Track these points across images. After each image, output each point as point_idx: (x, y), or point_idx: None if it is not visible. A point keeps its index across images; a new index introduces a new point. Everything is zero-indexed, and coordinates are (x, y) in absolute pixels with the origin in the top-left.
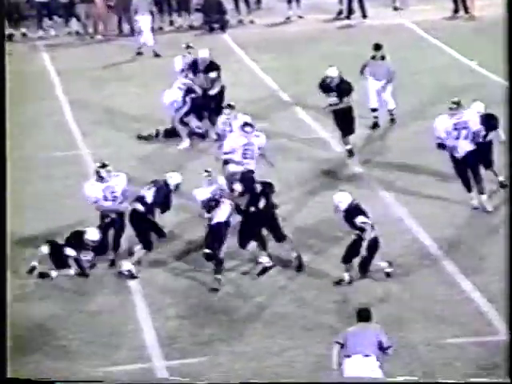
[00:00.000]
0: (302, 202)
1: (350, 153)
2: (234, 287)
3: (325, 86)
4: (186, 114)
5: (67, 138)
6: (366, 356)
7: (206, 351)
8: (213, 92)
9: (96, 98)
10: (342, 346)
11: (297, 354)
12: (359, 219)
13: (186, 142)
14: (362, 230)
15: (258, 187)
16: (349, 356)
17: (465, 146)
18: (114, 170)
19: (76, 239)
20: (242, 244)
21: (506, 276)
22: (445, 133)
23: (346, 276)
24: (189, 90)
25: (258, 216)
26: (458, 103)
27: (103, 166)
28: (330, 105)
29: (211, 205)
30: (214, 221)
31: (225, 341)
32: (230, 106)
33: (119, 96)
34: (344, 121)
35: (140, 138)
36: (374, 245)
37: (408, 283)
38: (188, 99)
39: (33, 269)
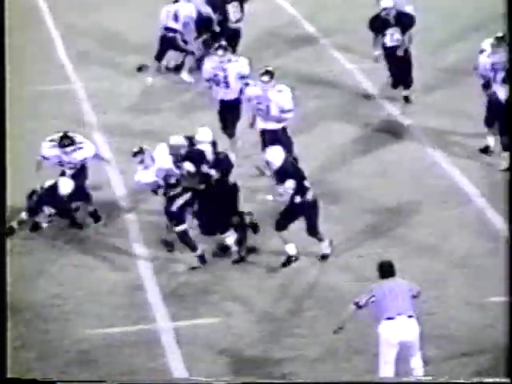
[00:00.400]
0: (323, 138)
1: (407, 99)
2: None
3: (381, 22)
4: (159, 53)
5: (57, 69)
6: (410, 317)
7: (218, 311)
8: (235, 25)
9: (88, 24)
10: (360, 307)
11: (318, 314)
12: (305, 183)
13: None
14: (301, 192)
15: (210, 162)
16: (391, 318)
17: (502, 91)
18: (110, 105)
19: (51, 194)
20: (206, 231)
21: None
22: (484, 71)
23: (292, 249)
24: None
25: (213, 194)
26: (501, 38)
27: (65, 138)
28: (390, 48)
29: (158, 189)
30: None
31: (239, 299)
32: (221, 47)
33: (115, 22)
34: (401, 65)
35: (140, 69)
36: (314, 206)
37: (445, 235)
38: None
39: (11, 229)
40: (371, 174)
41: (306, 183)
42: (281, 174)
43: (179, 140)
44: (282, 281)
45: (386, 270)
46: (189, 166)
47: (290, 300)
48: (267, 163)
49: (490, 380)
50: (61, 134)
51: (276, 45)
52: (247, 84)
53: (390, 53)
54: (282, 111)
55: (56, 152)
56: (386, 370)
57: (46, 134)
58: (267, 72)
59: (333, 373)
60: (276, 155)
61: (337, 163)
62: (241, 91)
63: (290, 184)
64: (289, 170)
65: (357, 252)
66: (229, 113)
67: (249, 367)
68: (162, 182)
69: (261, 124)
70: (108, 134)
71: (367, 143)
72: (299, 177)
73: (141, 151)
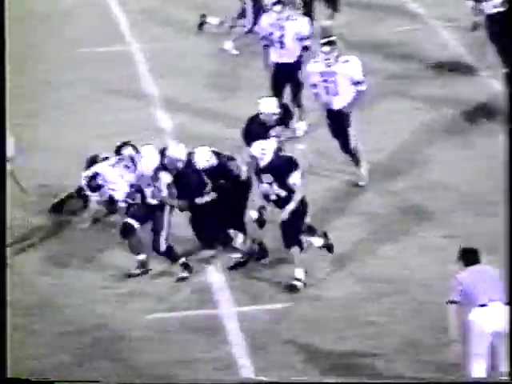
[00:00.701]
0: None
1: None
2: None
3: None
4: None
5: (111, 29)
6: (508, 304)
7: (287, 297)
8: None
9: None
10: (457, 302)
11: (398, 300)
12: (295, 176)
13: (228, 43)
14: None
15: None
16: (484, 305)
17: None
18: (171, 71)
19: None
20: (206, 244)
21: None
22: None
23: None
24: None
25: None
26: None
27: (93, 178)
28: (491, 15)
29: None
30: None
31: (309, 284)
32: (279, 2)
33: None
34: (503, 36)
35: (201, 26)
36: (303, 205)
37: None
38: None
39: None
40: (458, 161)
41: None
42: (270, 171)
43: (178, 153)
44: (357, 264)
45: (470, 258)
46: (165, 177)
47: (365, 285)
48: (253, 158)
49: (490, 380)
50: (90, 174)
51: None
52: (306, 48)
53: (490, 20)
54: (354, 83)
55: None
56: (477, 364)
57: (94, 102)
58: (329, 42)
59: (413, 367)
60: (266, 149)
61: (412, 148)
62: (300, 56)
63: (298, 176)
64: (277, 165)
65: (440, 232)
66: (285, 80)
67: (319, 358)
68: (129, 198)
69: (329, 102)
70: (167, 108)
71: (453, 124)
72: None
73: (119, 149)
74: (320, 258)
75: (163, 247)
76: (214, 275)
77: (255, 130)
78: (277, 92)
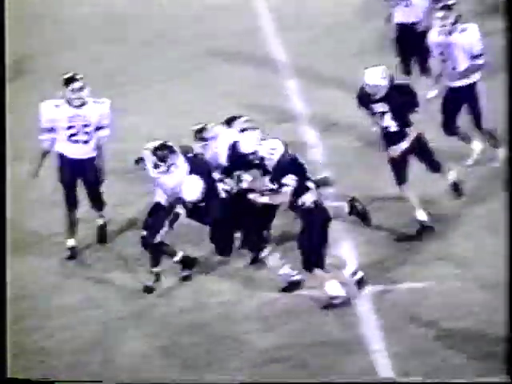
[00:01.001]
0: None
1: None
2: None
3: None
4: None
5: None
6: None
7: (426, 274)
8: None
9: None
10: None
11: None
12: (289, 178)
13: None
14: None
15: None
16: None
17: None
18: (296, 22)
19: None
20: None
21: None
22: None
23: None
24: None
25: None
26: None
27: (72, 79)
28: None
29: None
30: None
31: (453, 260)
32: None
33: None
34: None
35: None
36: (313, 214)
37: None
38: None
39: None
40: None
41: (309, 184)
42: (278, 172)
43: (192, 195)
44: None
45: None
46: (179, 209)
47: None
48: (261, 158)
49: (490, 380)
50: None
51: None
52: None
53: None
54: (472, 57)
55: (62, 109)
56: None
57: (207, 65)
58: (445, 6)
59: None
60: (273, 148)
61: None
62: (428, 13)
63: (289, 180)
64: (286, 167)
65: None
66: (412, 43)
67: (462, 343)
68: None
69: (446, 80)
70: (291, 70)
71: None
72: (300, 175)
73: (156, 151)
74: (468, 231)
75: (157, 239)
76: (345, 251)
77: (363, 101)
78: (405, 57)
